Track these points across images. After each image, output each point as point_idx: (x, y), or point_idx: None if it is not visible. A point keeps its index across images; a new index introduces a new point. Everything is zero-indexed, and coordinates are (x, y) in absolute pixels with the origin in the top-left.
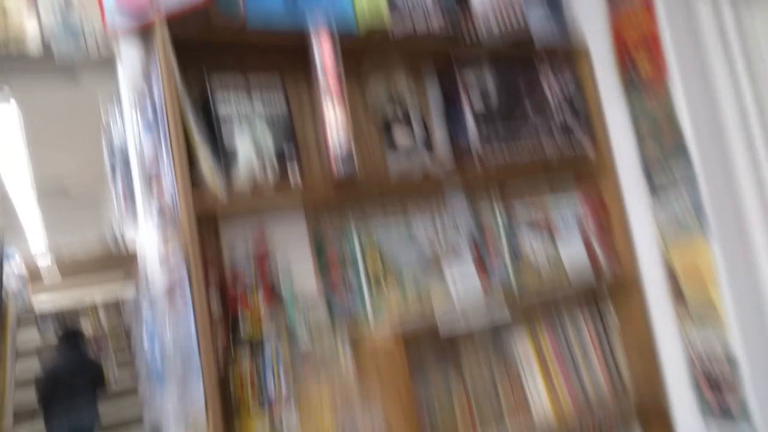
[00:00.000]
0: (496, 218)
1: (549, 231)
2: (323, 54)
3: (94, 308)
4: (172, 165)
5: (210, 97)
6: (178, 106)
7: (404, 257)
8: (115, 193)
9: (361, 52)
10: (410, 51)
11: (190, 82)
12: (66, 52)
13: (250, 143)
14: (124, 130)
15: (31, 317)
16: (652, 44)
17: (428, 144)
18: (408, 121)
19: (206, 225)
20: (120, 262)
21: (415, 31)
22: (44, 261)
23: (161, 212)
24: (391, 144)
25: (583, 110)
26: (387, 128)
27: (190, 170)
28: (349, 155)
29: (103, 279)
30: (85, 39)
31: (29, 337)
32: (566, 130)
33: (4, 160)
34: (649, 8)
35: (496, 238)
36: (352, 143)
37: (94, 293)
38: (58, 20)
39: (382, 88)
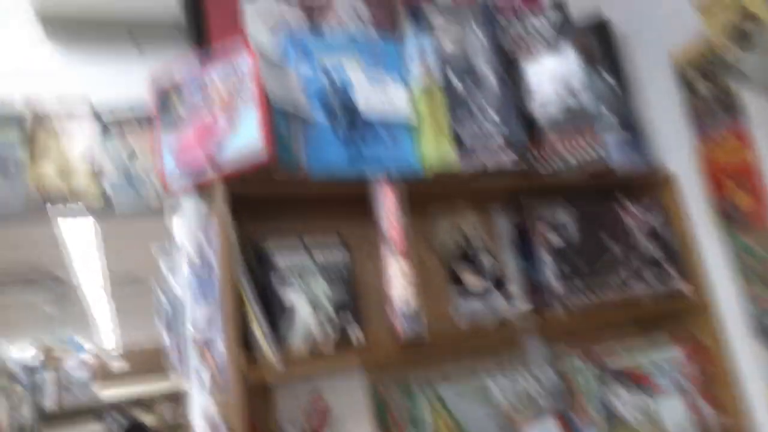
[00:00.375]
0: (581, 370)
1: (643, 383)
2: (386, 206)
3: (158, 401)
4: (223, 331)
5: (266, 250)
6: (232, 270)
7: (476, 418)
8: (166, 343)
9: (427, 194)
10: (479, 188)
11: (246, 234)
12: (126, 203)
13: (308, 299)
14: (179, 282)
15: (96, 409)
16: (748, 174)
17: (500, 285)
18: (477, 262)
19: (258, 391)
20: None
21: (484, 168)
22: (112, 352)
23: (211, 376)
24: (460, 287)
25: (674, 245)
26: (455, 270)
27: (243, 335)
28: (416, 314)
29: (169, 371)
30: (145, 189)
31: (93, 429)
32: (656, 266)
33: (77, 255)
34: (739, 136)
35: (582, 394)
36: (419, 301)
37: (159, 386)
38: (120, 172)
39: (448, 227)
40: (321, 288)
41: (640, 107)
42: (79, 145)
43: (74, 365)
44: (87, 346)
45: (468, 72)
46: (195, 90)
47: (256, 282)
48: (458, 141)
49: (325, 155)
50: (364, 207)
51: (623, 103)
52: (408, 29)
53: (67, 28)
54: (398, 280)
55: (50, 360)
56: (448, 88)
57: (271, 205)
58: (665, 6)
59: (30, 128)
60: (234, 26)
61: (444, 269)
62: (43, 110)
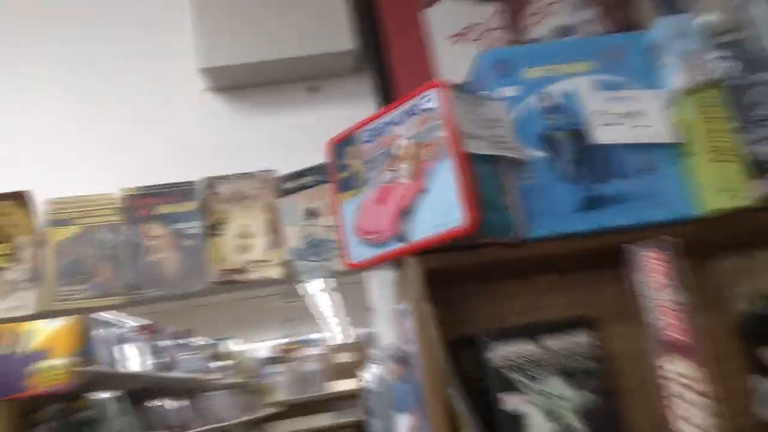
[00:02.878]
0: None
1: None
2: (652, 276)
3: None
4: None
5: (478, 341)
6: (437, 374)
7: None
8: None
9: (710, 243)
10: None
11: (452, 321)
12: (307, 273)
13: (541, 407)
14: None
15: (325, 401)
16: None
17: None
18: None
19: None
20: None
21: None
22: (341, 344)
23: None
24: (763, 370)
25: None
26: (754, 346)
27: None
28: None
29: None
30: (328, 253)
31: (322, 420)
32: None
33: None
34: None
35: None
36: (715, 420)
37: None
38: (302, 243)
39: (742, 285)
40: (557, 389)
41: None
42: (257, 213)
43: (306, 359)
44: (317, 338)
45: (751, 58)
46: (373, 142)
47: (469, 385)
48: (752, 160)
49: (550, 206)
50: (609, 270)
51: None
52: (652, 8)
53: (232, 80)
54: (679, 388)
55: (283, 355)
56: (728, 86)
57: (480, 280)
58: None
59: (206, 201)
60: (418, 42)
61: (738, 344)
62: (218, 181)
